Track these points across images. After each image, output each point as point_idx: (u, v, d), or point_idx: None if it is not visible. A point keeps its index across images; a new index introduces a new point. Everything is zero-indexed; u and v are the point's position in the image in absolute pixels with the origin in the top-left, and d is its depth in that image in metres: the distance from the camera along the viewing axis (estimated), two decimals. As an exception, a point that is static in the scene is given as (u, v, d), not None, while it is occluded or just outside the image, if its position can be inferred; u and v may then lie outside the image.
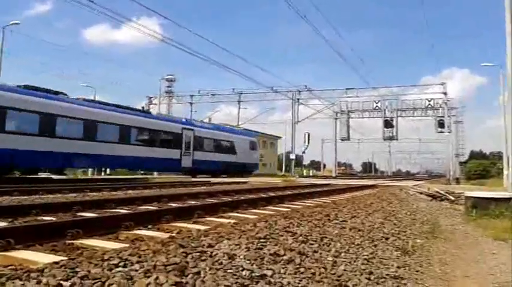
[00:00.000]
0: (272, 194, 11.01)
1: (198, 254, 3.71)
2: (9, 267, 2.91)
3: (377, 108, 47.56)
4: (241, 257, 3.84)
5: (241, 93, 53.91)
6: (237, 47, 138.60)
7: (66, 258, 3.11)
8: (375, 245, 5.95)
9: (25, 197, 8.54)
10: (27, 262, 3.01)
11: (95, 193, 10.00)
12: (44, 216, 5.45)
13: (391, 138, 47.96)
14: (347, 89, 47.97)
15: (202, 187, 14.79)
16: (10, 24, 31.58)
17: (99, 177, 27.60)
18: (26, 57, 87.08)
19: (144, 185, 13.82)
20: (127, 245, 3.74)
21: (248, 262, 3.74)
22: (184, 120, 29.31)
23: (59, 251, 3.46)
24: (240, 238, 4.44)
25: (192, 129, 27.57)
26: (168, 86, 58.56)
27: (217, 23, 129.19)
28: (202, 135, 28.61)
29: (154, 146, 24.04)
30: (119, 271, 2.91)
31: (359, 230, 6.59)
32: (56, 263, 2.93)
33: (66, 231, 3.86)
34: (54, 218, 5.37)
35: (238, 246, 4.15)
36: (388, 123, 46.39)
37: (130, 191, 11.16)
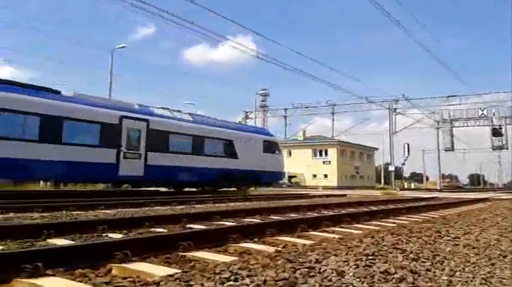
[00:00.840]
0: (374, 208, 10.63)
1: (306, 269, 3.64)
2: (128, 279, 3.07)
3: (483, 116, 44.47)
4: (351, 274, 3.70)
5: (335, 105, 53.41)
6: (327, 58, 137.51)
7: (179, 271, 3.21)
8: (493, 264, 5.47)
9: (136, 209, 9.10)
10: (144, 275, 3.14)
11: (199, 205, 10.40)
12: (155, 228, 5.73)
13: (500, 147, 44.45)
14: (448, 96, 45.39)
15: (302, 200, 14.72)
16: (118, 48, 34.48)
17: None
18: (133, 78, 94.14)
19: (245, 198, 14.12)
20: (236, 258, 3.78)
21: (358, 279, 3.59)
22: (136, 107, 18.90)
23: (172, 264, 3.58)
24: (347, 254, 4.30)
25: (143, 120, 17.99)
26: (262, 101, 59.89)
27: (306, 35, 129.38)
28: (164, 129, 18.77)
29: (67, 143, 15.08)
30: (231, 285, 2.94)
31: (473, 248, 6.10)
32: (171, 276, 3.03)
33: (178, 243, 4.00)
34: (165, 230, 5.64)
35: (346, 263, 4.02)
36: (496, 132, 43.09)
37: (232, 204, 11.44)
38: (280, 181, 37.78)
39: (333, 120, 55.59)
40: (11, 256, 3.02)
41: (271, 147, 25.52)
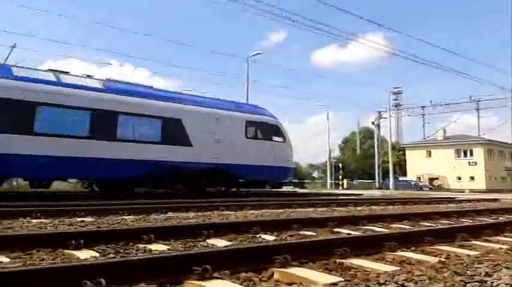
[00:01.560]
0: (541, 215, 9.37)
1: (477, 283, 3.28)
2: (292, 285, 3.06)
3: None
4: (530, 291, 3.25)
5: (479, 101, 49.02)
6: (467, 50, 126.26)
7: (341, 279, 3.10)
8: None
9: (280, 210, 9.25)
10: (306, 281, 3.09)
11: (341, 208, 10.23)
12: (304, 231, 5.72)
13: None
14: None
15: (449, 205, 13.65)
16: (253, 55, 35.88)
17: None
18: (267, 83, 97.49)
19: (382, 201, 13.56)
20: (397, 268, 3.57)
21: (542, 297, 3.14)
22: None
23: (332, 271, 3.49)
24: (520, 267, 3.80)
25: None
26: (395, 99, 57.46)
27: (442, 27, 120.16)
28: (25, 99, 12.49)
29: None
30: (399, 299, 2.76)
31: None
32: (334, 284, 2.94)
33: (334, 249, 3.90)
34: (313, 233, 5.60)
35: (521, 277, 3.54)
36: None
37: (374, 207, 11.05)
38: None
39: (478, 117, 51.08)
40: (183, 257, 3.19)
41: (263, 131, 18.23)
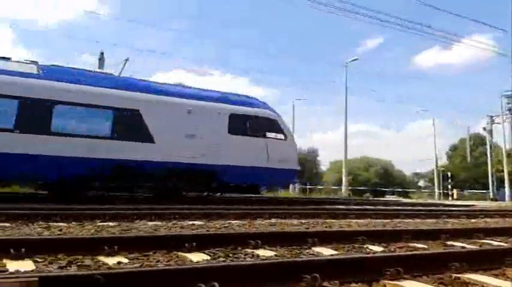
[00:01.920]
0: None
1: None
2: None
3: None
4: None
5: None
6: None
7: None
8: None
9: (385, 220, 8.92)
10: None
11: (453, 220, 9.59)
12: (414, 243, 5.46)
13: None
14: None
15: None
16: (351, 61, 35.42)
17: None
18: (363, 88, 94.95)
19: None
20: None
21: None
22: None
23: (447, 286, 3.30)
24: None
25: None
26: (508, 103, 52.57)
27: None
28: None
29: None
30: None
31: None
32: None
33: (449, 263, 3.67)
34: (425, 246, 5.32)
35: None
36: None
37: (488, 220, 10.20)
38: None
39: None
40: (292, 264, 3.21)
41: (253, 126, 15.18)
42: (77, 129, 12.33)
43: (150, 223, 6.61)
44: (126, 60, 17.88)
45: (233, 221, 7.27)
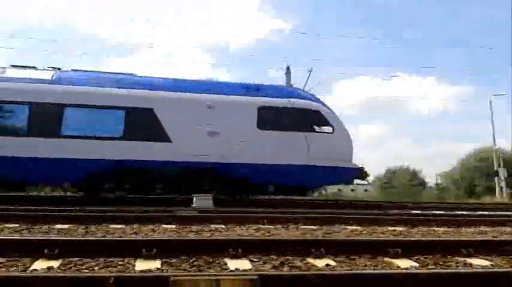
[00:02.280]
0: None
1: None
2: None
3: None
4: None
5: None
6: None
7: None
8: None
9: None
10: None
11: None
12: None
13: None
14: None
15: None
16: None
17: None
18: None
19: None
20: None
21: None
22: None
23: None
24: None
25: None
26: None
27: None
28: None
29: None
30: None
31: None
32: None
33: None
34: None
35: None
36: None
37: None
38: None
39: None
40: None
41: (290, 119, 13.42)
42: (86, 131, 12.22)
43: (350, 228, 6.67)
44: (310, 71, 18.35)
45: (436, 229, 6.86)
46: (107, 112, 12.33)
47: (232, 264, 3.78)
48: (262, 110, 13.18)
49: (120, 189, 12.49)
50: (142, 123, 12.35)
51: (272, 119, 13.28)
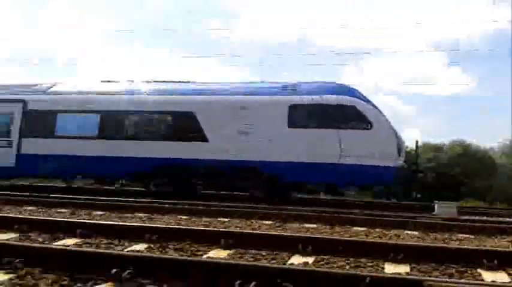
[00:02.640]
0: None
1: None
2: None
3: None
4: None
5: None
6: None
7: None
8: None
9: None
10: None
11: None
12: None
13: None
14: None
15: None
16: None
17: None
18: None
19: None
20: None
21: None
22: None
23: None
24: None
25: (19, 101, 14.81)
26: None
27: None
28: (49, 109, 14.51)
29: None
30: None
31: None
32: None
33: None
34: None
35: None
36: None
37: None
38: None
39: None
40: None
41: (322, 116, 12.85)
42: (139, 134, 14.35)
43: None
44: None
45: None
46: (158, 117, 14.51)
47: (488, 276, 3.58)
48: (292, 108, 13.23)
49: (169, 184, 13.85)
50: (185, 125, 13.79)
51: (303, 116, 13.36)
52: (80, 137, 14.06)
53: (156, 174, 13.68)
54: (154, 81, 15.57)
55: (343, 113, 13.15)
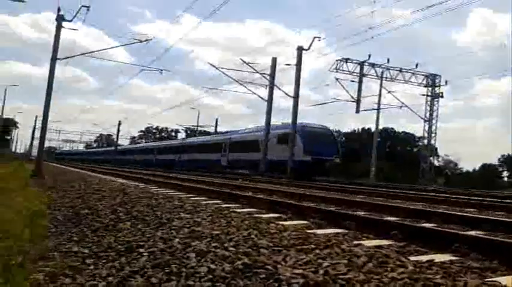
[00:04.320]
0: None
1: None
2: None
3: None
4: None
5: None
6: None
7: None
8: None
9: None
10: None
11: None
12: None
13: None
14: None
15: None
16: None
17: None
18: None
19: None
20: None
21: None
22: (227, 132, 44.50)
23: None
24: None
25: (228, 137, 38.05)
26: None
27: None
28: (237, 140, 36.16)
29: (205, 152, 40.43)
30: None
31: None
32: None
33: None
34: None
35: None
36: None
37: None
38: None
39: None
40: None
41: (283, 139, 28.81)
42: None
43: None
44: None
45: None
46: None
47: None
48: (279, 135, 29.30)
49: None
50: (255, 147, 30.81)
51: (281, 139, 29.03)
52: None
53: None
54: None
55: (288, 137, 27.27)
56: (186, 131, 74.59)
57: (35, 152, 49.27)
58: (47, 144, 44.22)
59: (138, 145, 65.36)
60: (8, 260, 3.57)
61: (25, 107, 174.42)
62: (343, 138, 66.02)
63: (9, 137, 75.16)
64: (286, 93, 30.03)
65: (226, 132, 44.84)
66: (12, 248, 4.03)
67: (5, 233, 4.69)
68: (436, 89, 35.29)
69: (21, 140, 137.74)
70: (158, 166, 45.31)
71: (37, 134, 46.73)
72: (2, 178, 12.95)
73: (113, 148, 68.09)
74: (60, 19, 20.64)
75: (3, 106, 51.32)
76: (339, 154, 27.46)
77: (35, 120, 61.99)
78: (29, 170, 21.71)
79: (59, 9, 20.55)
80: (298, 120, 27.16)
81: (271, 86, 30.91)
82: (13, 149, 76.04)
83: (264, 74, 31.01)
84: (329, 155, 25.94)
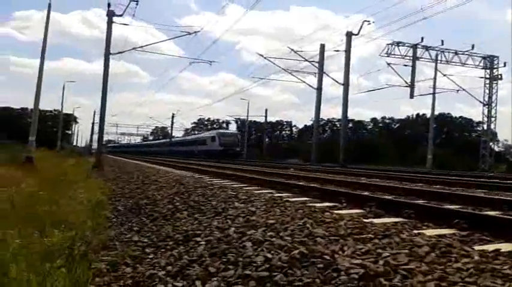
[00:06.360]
0: None
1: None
2: None
3: None
4: None
5: None
6: None
7: None
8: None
9: None
10: None
11: None
12: None
13: None
14: None
15: None
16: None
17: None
18: None
19: None
20: None
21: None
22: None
23: None
24: None
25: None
26: None
27: None
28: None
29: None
30: None
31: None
32: None
33: None
34: None
35: None
36: None
37: None
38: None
39: None
40: None
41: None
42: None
43: None
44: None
45: None
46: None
47: None
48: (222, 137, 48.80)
49: None
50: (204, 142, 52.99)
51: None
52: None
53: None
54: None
55: (213, 138, 48.30)
56: (236, 122, 77.08)
57: (94, 146, 52.45)
58: (105, 137, 47.24)
59: (178, 138, 72.55)
60: (72, 250, 3.74)
61: (82, 101, 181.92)
62: (397, 124, 64.99)
63: (70, 132, 78.73)
64: (336, 81, 29.58)
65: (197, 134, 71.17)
66: (75, 238, 4.21)
67: (69, 223, 4.92)
68: (495, 71, 33.46)
69: (81, 135, 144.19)
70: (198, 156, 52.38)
71: (96, 128, 49.50)
72: (66, 172, 13.62)
73: (157, 141, 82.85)
74: (111, 14, 21.28)
75: (62, 102, 53.66)
76: (239, 146, 50.33)
77: (93, 115, 64.62)
78: (89, 162, 22.71)
79: (109, 5, 21.27)
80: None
81: (320, 74, 30.51)
82: (74, 144, 79.54)
83: (312, 61, 30.65)
84: (233, 147, 46.24)
